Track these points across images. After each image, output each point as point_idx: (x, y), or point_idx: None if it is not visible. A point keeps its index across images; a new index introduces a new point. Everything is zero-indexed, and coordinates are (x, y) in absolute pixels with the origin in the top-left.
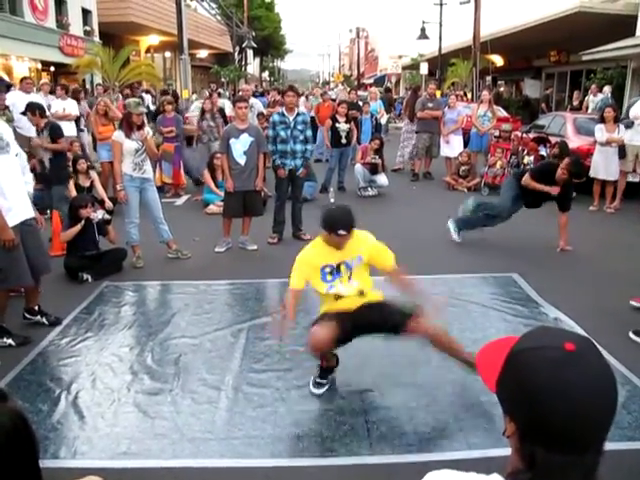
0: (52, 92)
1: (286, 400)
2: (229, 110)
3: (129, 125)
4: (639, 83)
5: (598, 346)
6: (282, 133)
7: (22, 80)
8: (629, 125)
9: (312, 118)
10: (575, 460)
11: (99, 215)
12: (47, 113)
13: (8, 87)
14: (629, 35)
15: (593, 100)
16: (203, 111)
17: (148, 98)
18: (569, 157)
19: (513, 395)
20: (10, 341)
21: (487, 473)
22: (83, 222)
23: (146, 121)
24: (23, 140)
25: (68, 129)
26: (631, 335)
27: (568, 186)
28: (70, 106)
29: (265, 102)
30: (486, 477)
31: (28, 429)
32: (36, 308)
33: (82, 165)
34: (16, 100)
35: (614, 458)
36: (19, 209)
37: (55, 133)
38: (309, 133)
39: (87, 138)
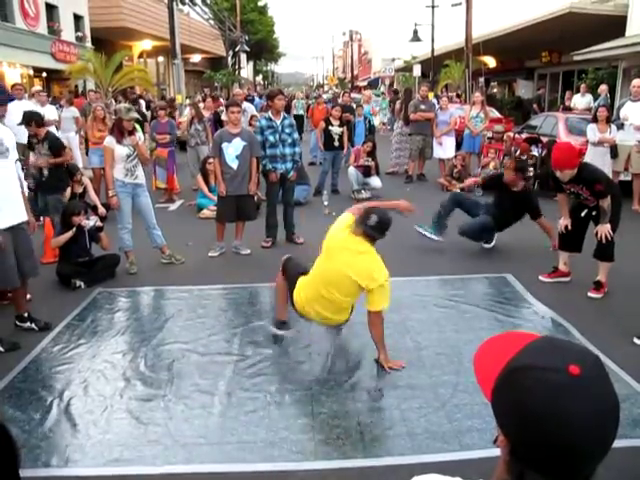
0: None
1: (279, 404)
2: (223, 115)
3: (120, 131)
4: (630, 83)
5: (607, 362)
6: (271, 137)
7: (12, 87)
8: (620, 126)
9: (301, 117)
10: None
11: (91, 222)
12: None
13: (11, 99)
14: (620, 35)
15: (580, 100)
16: (192, 117)
17: (142, 104)
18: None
19: (506, 412)
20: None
21: (480, 474)
22: (75, 229)
23: (138, 127)
24: (18, 147)
25: None
26: (636, 341)
27: (527, 193)
28: (49, 112)
29: (258, 104)
30: None
31: (9, 439)
32: (25, 315)
33: (78, 176)
34: (8, 107)
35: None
36: (10, 213)
37: (55, 146)
38: (296, 135)
39: (77, 143)
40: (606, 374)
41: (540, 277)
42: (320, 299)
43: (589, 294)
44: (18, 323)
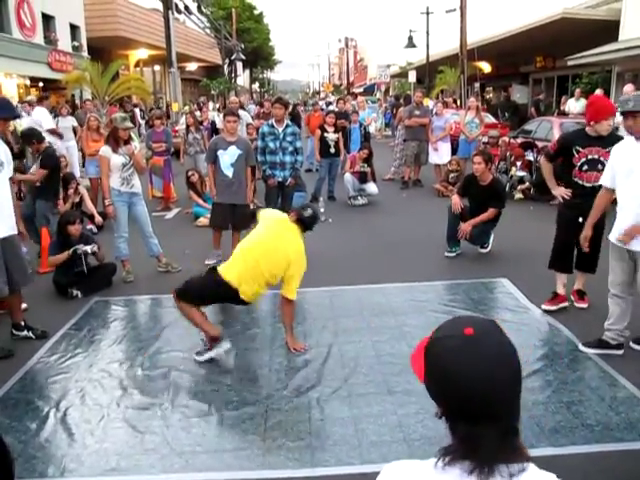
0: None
1: (276, 411)
2: (219, 123)
3: (116, 140)
4: (623, 87)
5: (605, 367)
6: (271, 144)
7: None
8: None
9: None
10: (489, 428)
11: (88, 248)
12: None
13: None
14: (613, 40)
15: (575, 104)
16: (188, 125)
17: (137, 112)
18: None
19: (430, 382)
20: None
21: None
22: (71, 251)
23: (134, 136)
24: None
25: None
26: (632, 345)
27: (495, 185)
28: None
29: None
30: (429, 460)
31: (3, 448)
32: (22, 323)
33: (73, 185)
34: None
35: (603, 459)
36: (1, 225)
37: (46, 162)
38: (299, 144)
39: (76, 153)
40: (500, 330)
41: (542, 306)
42: (256, 269)
43: (577, 304)
44: (15, 332)
